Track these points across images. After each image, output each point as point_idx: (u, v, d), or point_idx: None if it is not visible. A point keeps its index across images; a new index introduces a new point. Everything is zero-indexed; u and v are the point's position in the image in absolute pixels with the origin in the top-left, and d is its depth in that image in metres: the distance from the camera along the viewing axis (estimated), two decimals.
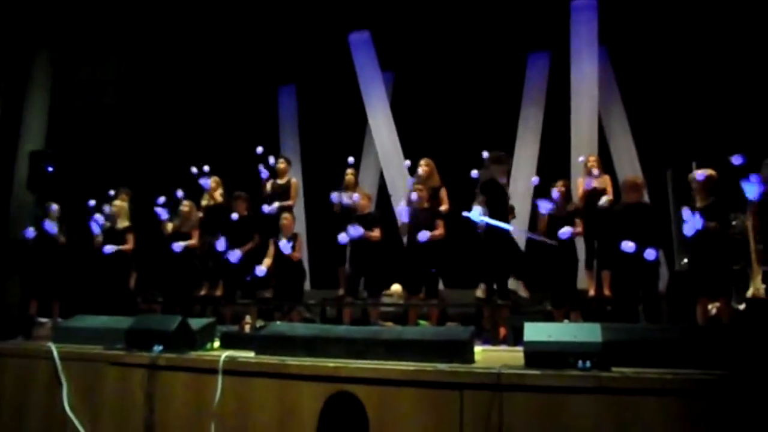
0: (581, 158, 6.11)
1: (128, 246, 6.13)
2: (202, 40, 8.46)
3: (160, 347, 3.67)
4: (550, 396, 2.90)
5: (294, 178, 6.77)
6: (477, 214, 5.08)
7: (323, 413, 3.27)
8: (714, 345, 3.02)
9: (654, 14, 6.90)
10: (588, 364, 2.96)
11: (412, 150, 7.82)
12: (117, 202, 6.38)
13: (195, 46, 8.55)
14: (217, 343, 4.12)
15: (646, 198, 5.27)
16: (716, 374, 2.81)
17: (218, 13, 8.09)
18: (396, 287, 6.24)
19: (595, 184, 5.84)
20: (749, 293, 4.52)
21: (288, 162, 6.74)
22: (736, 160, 4.76)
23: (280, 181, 6.57)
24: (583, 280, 5.68)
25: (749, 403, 2.73)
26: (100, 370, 3.76)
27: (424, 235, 5.38)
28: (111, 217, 6.29)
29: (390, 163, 8.21)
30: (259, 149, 6.65)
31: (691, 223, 4.51)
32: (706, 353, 2.97)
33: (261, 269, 5.70)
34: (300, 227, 7.54)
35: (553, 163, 6.99)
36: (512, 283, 5.81)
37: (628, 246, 4.63)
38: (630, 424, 2.80)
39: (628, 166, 6.88)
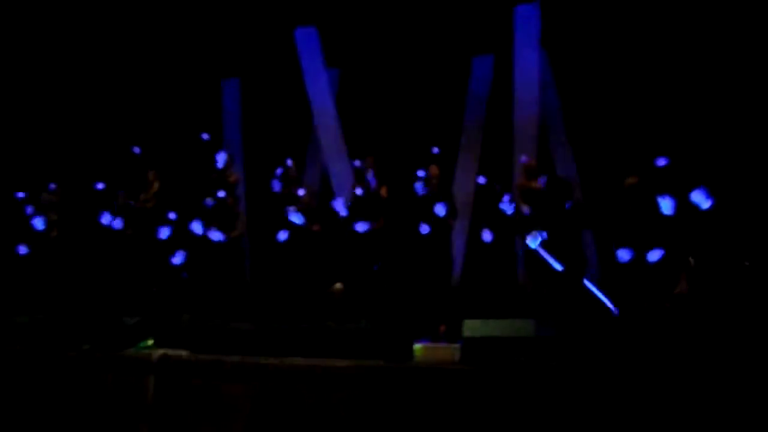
0: (523, 158, 6.27)
1: None
2: (144, 31, 8.25)
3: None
4: None
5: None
6: (535, 242, 5.11)
7: (258, 409, 3.24)
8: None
9: (594, 19, 7.13)
10: None
11: (356, 147, 7.89)
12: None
13: (136, 37, 8.33)
14: (151, 341, 4.03)
15: None
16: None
17: (162, 3, 7.90)
18: (338, 285, 6.24)
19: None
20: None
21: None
22: (660, 162, 4.95)
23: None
24: None
25: None
26: None
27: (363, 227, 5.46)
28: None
29: (334, 160, 8.20)
30: (205, 135, 6.59)
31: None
32: None
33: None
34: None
35: (496, 163, 7.17)
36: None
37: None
38: None
39: (567, 167, 7.10)
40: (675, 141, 5.77)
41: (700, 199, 4.53)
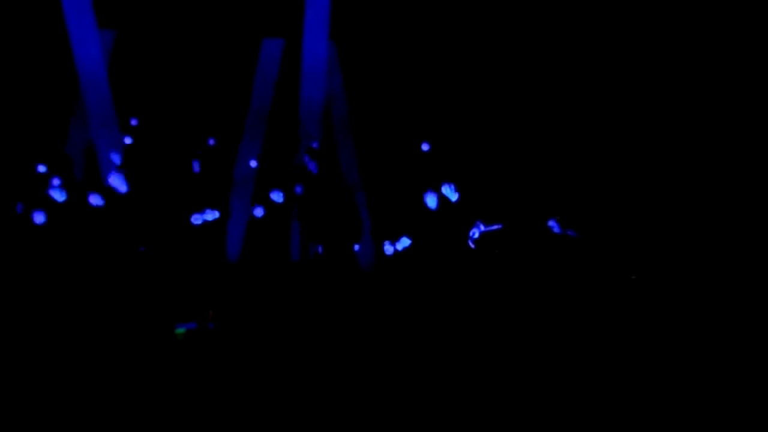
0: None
1: None
2: None
3: None
4: None
5: None
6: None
7: None
8: None
9: (382, 13, 7.40)
10: None
11: (126, 118, 7.29)
12: None
13: None
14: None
15: None
16: None
17: None
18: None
19: None
20: None
21: None
22: (425, 147, 5.31)
23: None
24: None
25: None
26: None
27: None
28: None
29: (101, 130, 7.46)
30: None
31: None
32: None
33: None
34: None
35: (278, 149, 7.09)
36: None
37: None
38: None
39: (348, 155, 7.26)
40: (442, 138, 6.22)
41: (449, 192, 4.96)
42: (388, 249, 5.14)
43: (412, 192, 5.07)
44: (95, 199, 5.64)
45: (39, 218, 5.55)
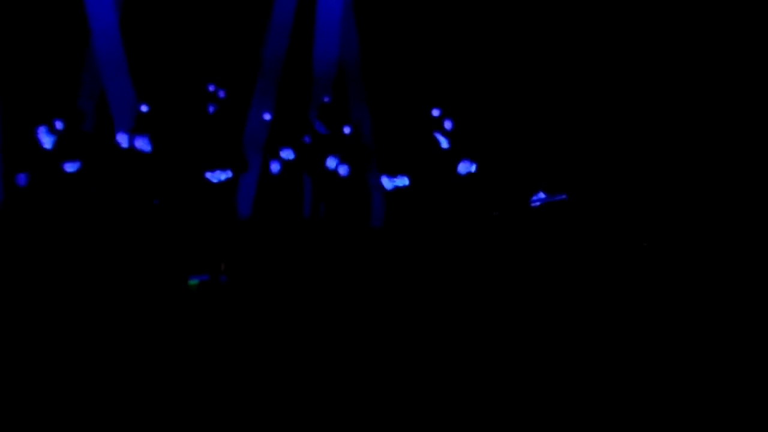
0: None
1: None
2: None
3: None
4: None
5: None
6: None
7: None
8: None
9: None
10: None
11: (139, 70, 7.26)
12: None
13: None
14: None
15: None
16: None
17: None
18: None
19: None
20: None
21: None
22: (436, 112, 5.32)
23: None
24: None
25: None
26: None
27: None
28: None
29: (115, 82, 7.42)
30: None
31: None
32: None
33: None
34: None
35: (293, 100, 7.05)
36: None
37: None
38: None
39: (360, 110, 7.21)
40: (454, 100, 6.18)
41: (466, 167, 4.99)
42: (387, 183, 5.20)
43: (421, 149, 5.07)
44: (122, 139, 5.63)
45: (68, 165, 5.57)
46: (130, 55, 7.42)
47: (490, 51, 6.86)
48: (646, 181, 5.61)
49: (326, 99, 6.20)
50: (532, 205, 4.98)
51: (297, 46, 7.45)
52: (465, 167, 5.16)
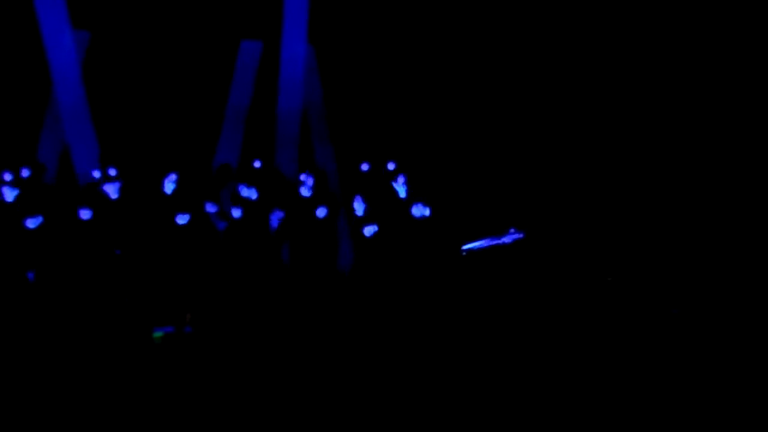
0: None
1: None
2: None
3: None
4: None
5: None
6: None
7: None
8: None
9: (360, 17, 7.44)
10: None
11: (102, 121, 7.22)
12: None
13: None
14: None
15: None
16: None
17: None
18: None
19: None
20: None
21: None
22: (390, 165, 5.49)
23: None
24: None
25: None
26: None
27: None
28: None
29: (76, 132, 7.36)
30: None
31: None
32: None
33: None
34: None
35: (257, 150, 7.07)
36: None
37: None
38: None
39: (325, 158, 7.29)
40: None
41: (420, 210, 5.12)
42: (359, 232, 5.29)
43: (388, 196, 5.15)
44: (84, 214, 5.62)
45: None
46: (93, 105, 7.40)
47: (456, 89, 7.06)
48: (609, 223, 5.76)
49: (291, 145, 6.27)
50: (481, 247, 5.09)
51: (262, 94, 7.54)
52: (419, 211, 5.27)
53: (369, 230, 5.21)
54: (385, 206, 5.35)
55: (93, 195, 6.19)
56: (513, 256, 5.10)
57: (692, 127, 6.57)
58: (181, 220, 5.72)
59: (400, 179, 5.50)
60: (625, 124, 6.67)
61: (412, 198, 5.41)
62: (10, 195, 5.86)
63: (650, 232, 5.77)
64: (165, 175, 6.28)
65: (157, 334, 4.51)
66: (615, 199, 6.13)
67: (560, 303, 4.48)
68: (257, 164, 6.56)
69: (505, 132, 6.83)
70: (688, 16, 6.60)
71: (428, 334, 4.04)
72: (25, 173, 6.38)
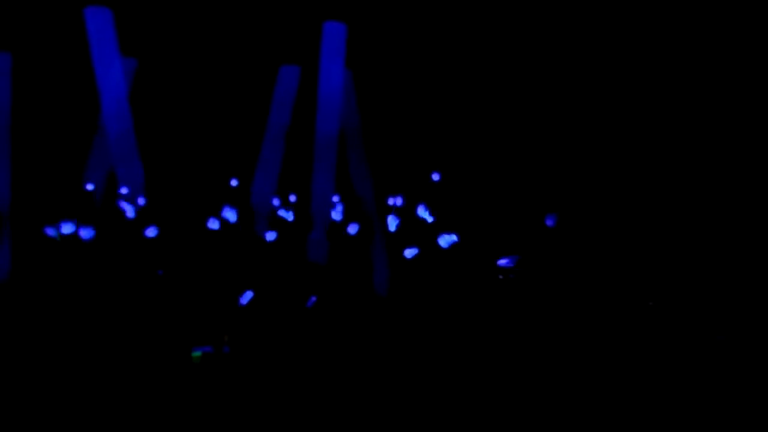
0: None
1: None
2: None
3: None
4: None
5: None
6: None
7: None
8: None
9: (398, 43, 7.54)
10: None
11: (149, 149, 7.43)
12: None
13: None
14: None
15: None
16: None
17: None
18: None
19: None
20: None
21: None
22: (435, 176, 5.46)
23: None
24: None
25: None
26: None
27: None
28: None
29: (123, 160, 7.59)
30: None
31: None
32: None
33: None
34: None
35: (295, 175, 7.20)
36: None
37: None
38: None
39: (363, 183, 7.33)
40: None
41: (446, 240, 5.10)
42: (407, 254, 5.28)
43: (427, 218, 5.15)
44: (127, 235, 5.77)
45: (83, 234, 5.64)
46: (139, 131, 7.63)
47: (493, 111, 7.06)
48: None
49: (328, 169, 6.34)
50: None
51: (300, 116, 7.68)
52: (446, 240, 5.27)
53: (409, 252, 5.22)
54: (417, 230, 5.35)
55: (135, 218, 6.36)
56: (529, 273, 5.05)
57: (694, 130, 6.43)
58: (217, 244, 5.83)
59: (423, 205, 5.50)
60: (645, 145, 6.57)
61: (440, 225, 5.41)
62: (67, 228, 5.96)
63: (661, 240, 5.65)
64: (207, 200, 6.42)
65: (196, 353, 4.57)
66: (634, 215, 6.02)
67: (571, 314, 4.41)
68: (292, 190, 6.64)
69: (543, 158, 6.79)
70: (689, 16, 6.49)
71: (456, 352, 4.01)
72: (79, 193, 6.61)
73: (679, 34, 6.55)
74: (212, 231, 6.06)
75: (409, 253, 5.29)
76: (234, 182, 7.03)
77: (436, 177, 5.58)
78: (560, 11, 6.90)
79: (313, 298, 5.21)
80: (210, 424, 3.36)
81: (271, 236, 5.86)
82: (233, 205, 6.51)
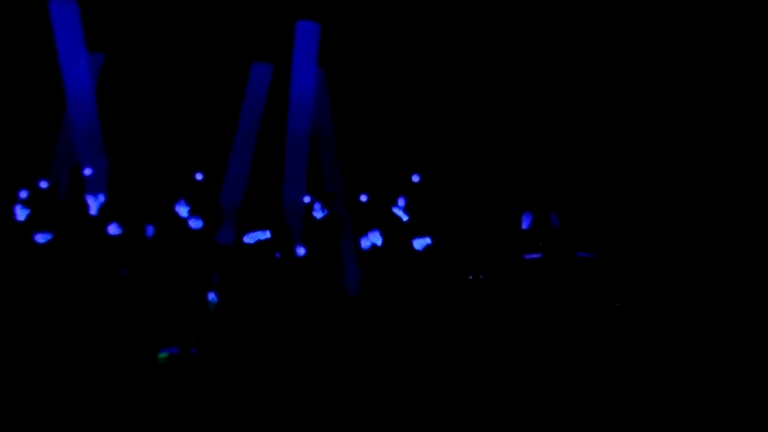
0: None
1: None
2: None
3: None
4: None
5: None
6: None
7: None
8: None
9: (371, 43, 7.52)
10: None
11: (113, 143, 7.31)
12: None
13: None
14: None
15: None
16: None
17: None
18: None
19: None
20: None
21: None
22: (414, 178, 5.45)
23: None
24: None
25: None
26: None
27: None
28: None
29: (88, 155, 7.43)
30: None
31: None
32: None
33: None
34: None
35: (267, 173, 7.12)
36: None
37: None
38: None
39: (334, 179, 7.31)
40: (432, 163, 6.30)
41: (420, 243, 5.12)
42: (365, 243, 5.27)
43: (397, 221, 5.14)
44: (113, 229, 5.66)
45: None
46: (105, 125, 7.48)
47: (466, 111, 7.08)
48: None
49: (300, 168, 6.29)
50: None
51: (271, 117, 7.61)
52: (421, 243, 5.27)
53: (376, 240, 5.18)
54: (391, 231, 5.34)
55: (102, 214, 6.22)
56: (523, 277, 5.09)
57: (695, 131, 6.54)
58: (189, 241, 5.73)
59: (401, 203, 5.48)
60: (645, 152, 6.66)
61: (414, 225, 5.40)
62: (22, 214, 5.91)
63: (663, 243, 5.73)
64: (175, 197, 6.30)
65: (162, 354, 4.49)
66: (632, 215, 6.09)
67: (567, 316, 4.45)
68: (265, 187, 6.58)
69: (517, 159, 6.83)
70: (689, 17, 6.58)
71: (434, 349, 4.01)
72: (39, 189, 6.46)
73: (679, 34, 6.60)
74: (179, 230, 5.95)
75: (383, 252, 5.28)
76: (199, 177, 6.87)
77: (415, 178, 5.55)
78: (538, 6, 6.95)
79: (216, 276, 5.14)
80: (178, 424, 3.31)
81: (241, 236, 5.79)
82: (202, 203, 6.42)
